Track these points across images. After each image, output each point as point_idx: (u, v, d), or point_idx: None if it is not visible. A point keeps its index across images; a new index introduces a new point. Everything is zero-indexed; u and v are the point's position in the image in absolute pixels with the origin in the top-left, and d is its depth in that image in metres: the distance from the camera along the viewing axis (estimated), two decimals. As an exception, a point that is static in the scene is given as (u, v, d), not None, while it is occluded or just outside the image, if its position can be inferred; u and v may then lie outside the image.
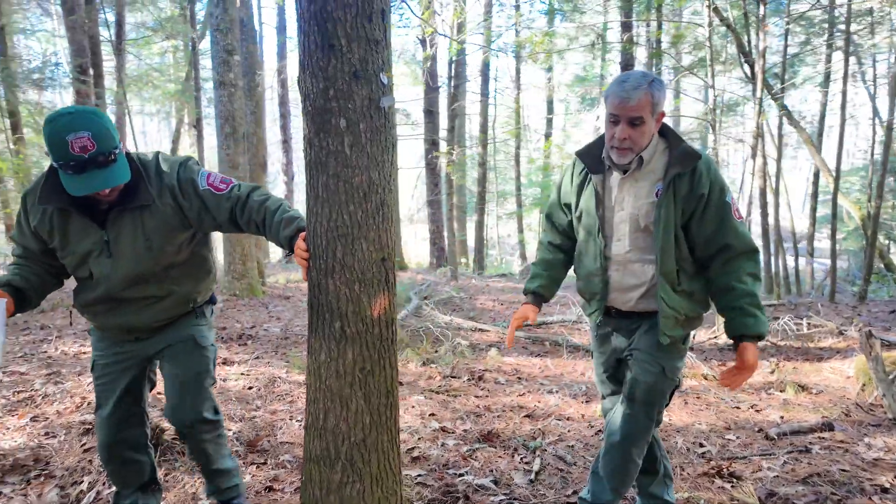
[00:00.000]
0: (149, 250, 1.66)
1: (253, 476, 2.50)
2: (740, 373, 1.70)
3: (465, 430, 3.04)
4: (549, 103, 18.41)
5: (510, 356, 4.77)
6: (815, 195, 12.18)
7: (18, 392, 3.52)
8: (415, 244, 17.82)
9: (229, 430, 2.95)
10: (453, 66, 10.77)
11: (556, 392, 3.79)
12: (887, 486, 2.30)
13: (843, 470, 2.46)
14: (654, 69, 8.02)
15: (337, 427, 1.54)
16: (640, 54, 11.39)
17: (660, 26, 7.69)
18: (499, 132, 16.77)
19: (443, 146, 11.21)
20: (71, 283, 1.85)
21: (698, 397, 3.66)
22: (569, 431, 3.07)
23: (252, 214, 1.69)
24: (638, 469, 1.85)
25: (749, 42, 6.75)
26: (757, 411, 3.38)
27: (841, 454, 2.66)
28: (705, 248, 1.70)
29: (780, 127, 10.19)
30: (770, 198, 8.90)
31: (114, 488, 1.98)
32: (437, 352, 4.58)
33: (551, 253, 2.05)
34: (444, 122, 12.82)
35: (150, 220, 1.65)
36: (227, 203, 1.70)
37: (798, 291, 10.29)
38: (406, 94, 15.64)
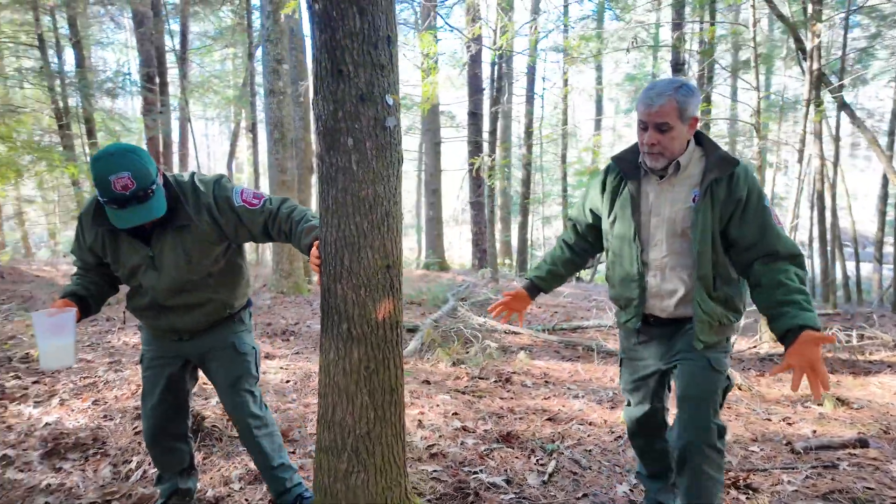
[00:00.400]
0: (188, 263, 1.85)
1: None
2: (812, 372, 1.49)
3: (485, 430, 3.13)
4: (598, 102, 18.11)
5: (540, 360, 4.81)
6: (884, 198, 11.45)
7: (84, 378, 3.89)
8: (459, 245, 17.95)
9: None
10: (496, 67, 10.82)
11: (582, 397, 3.81)
12: (911, 506, 2.22)
13: (868, 488, 2.39)
14: (704, 69, 7.77)
15: (343, 420, 1.67)
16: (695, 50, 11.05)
17: (711, 24, 7.46)
18: (546, 132, 16.63)
19: (486, 148, 11.26)
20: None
21: (729, 407, 3.59)
22: (588, 436, 3.10)
23: (281, 225, 1.86)
24: (716, 482, 1.71)
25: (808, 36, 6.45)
26: (789, 424, 3.29)
27: (870, 472, 2.57)
28: (747, 253, 1.68)
29: (837, 127, 9.63)
30: (828, 201, 8.45)
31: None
32: (467, 353, 4.68)
33: (561, 250, 2.13)
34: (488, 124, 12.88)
35: (188, 237, 1.84)
36: (260, 217, 1.87)
37: (859, 300, 9.71)
38: (451, 96, 15.78)
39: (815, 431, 3.17)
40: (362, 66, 1.57)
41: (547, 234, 19.21)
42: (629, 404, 2.11)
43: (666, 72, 13.55)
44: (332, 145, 1.60)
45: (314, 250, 1.72)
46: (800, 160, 5.01)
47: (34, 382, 3.74)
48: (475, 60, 10.88)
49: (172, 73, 14.53)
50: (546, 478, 2.56)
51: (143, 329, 2.10)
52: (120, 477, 2.50)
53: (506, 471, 2.63)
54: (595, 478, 2.58)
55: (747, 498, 2.39)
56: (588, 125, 18.32)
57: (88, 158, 10.79)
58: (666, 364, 1.88)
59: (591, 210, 2.02)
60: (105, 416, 3.18)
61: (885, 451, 2.84)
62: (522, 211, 15.01)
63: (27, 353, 4.32)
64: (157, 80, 13.68)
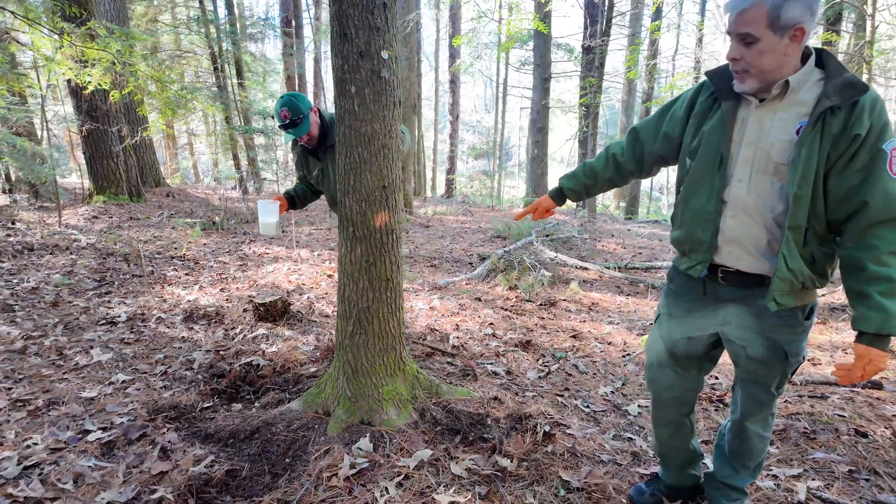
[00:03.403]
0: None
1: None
2: (852, 377, 1.41)
3: (510, 338, 3.64)
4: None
5: (597, 292, 5.11)
6: None
7: (219, 274, 5.04)
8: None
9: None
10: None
11: (617, 324, 4.12)
12: (866, 432, 2.35)
13: (840, 415, 2.53)
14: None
15: (350, 296, 2.30)
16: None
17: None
18: (672, 66, 15.40)
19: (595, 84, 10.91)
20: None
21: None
22: (601, 351, 3.48)
23: None
24: (765, 443, 1.73)
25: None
26: (814, 364, 3.35)
27: (858, 406, 2.67)
28: (840, 206, 1.37)
29: None
30: None
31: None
32: (525, 280, 5.13)
33: (605, 165, 1.85)
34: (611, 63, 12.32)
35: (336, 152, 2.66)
36: None
37: None
38: (569, 28, 15.13)
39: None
40: (362, 29, 2.05)
41: (660, 180, 18.12)
42: (653, 366, 1.82)
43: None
44: (340, 92, 2.13)
45: None
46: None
47: (186, 274, 4.96)
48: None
49: (308, 16, 15.72)
50: (542, 375, 3.04)
51: None
52: (228, 336, 3.46)
53: (511, 366, 3.15)
54: (585, 380, 3.00)
55: (716, 410, 2.66)
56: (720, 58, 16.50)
57: (236, 97, 12.45)
58: (724, 337, 1.62)
59: (665, 133, 1.68)
60: (227, 300, 4.22)
61: (898, 395, 2.86)
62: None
63: (184, 254, 5.63)
64: (293, 23, 14.99)
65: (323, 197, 3.03)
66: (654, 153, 1.73)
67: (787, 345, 1.52)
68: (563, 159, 15.38)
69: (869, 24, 4.54)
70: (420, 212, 10.51)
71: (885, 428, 2.39)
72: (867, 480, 2.04)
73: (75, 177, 13.51)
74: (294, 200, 2.95)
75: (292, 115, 2.55)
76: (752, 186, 1.45)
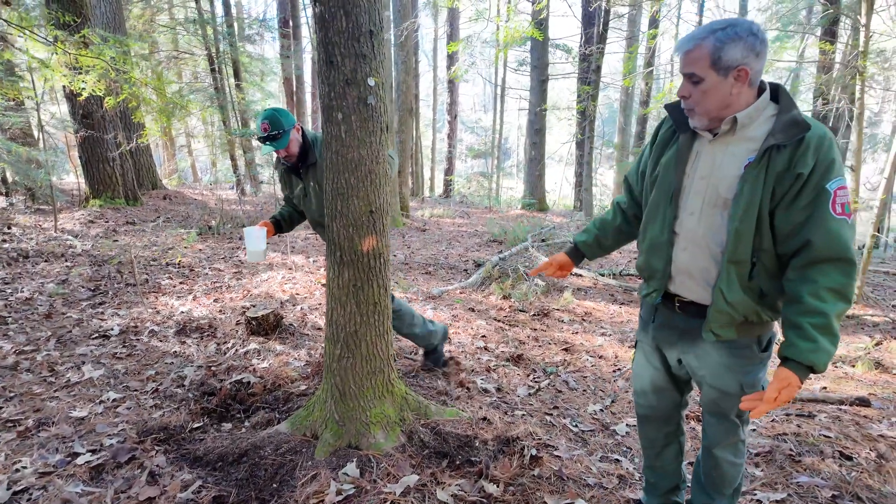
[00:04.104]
0: (322, 190, 2.66)
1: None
2: (764, 400, 1.36)
3: (502, 352, 3.66)
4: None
5: (591, 300, 5.12)
6: None
7: (214, 283, 5.05)
8: (570, 187, 17.76)
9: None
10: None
11: (609, 335, 4.14)
12: (851, 455, 2.37)
13: (825, 436, 2.55)
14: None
15: (338, 320, 2.30)
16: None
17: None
18: (672, 65, 15.37)
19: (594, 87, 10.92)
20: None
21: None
22: (591, 366, 3.49)
23: None
24: (737, 469, 1.73)
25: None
26: (803, 379, 3.36)
27: (844, 425, 2.69)
28: (786, 243, 1.39)
29: None
30: None
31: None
32: (518, 288, 5.14)
33: (613, 215, 1.89)
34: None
35: (318, 171, 2.64)
36: None
37: None
38: (567, 28, 15.11)
39: (825, 388, 3.23)
40: (348, 57, 2.05)
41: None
42: (638, 393, 1.88)
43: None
44: (327, 118, 2.13)
45: None
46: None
47: (180, 283, 4.97)
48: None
49: (305, 16, 15.65)
50: (532, 392, 3.05)
51: None
52: (220, 351, 3.47)
53: (501, 382, 3.16)
54: (575, 397, 3.02)
55: (703, 429, 2.67)
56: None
57: (233, 98, 12.43)
58: (686, 364, 1.65)
59: (642, 171, 1.73)
60: (220, 311, 4.23)
61: (886, 413, 2.88)
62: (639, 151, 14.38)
63: (179, 262, 5.64)
64: (291, 23, 14.95)
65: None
66: (641, 191, 1.77)
67: (742, 376, 1.54)
68: (561, 158, 15.38)
69: (862, 33, 4.54)
70: (417, 214, 10.51)
71: (871, 450, 2.41)
72: (850, 506, 2.06)
73: (73, 177, 13.52)
74: (280, 224, 2.96)
75: (272, 128, 2.56)
76: (703, 219, 1.48)
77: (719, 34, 1.34)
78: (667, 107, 1.58)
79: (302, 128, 2.68)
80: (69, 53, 5.28)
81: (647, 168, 1.66)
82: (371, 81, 2.10)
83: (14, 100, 7.67)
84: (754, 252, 1.41)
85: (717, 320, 1.47)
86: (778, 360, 1.38)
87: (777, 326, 1.50)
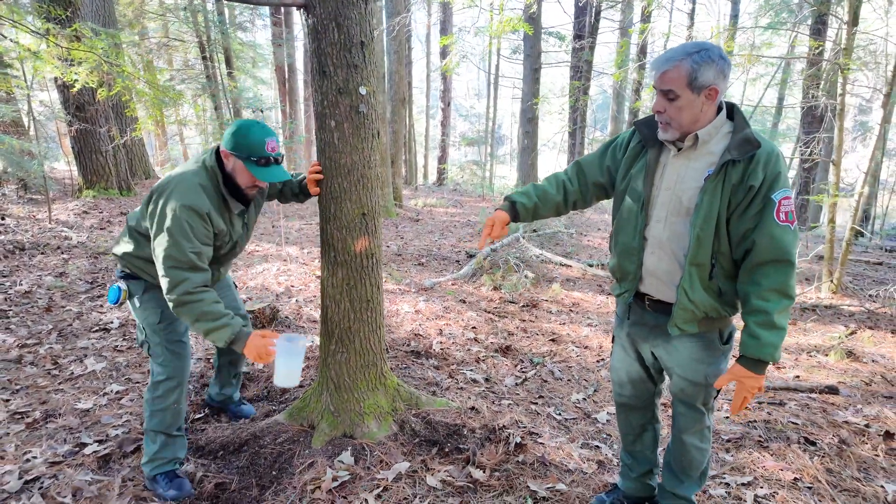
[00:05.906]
0: (259, 215, 2.58)
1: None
2: (732, 405, 1.63)
3: (491, 343, 3.79)
4: (735, 17, 16.18)
5: (579, 291, 5.26)
6: None
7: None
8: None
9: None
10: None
11: (595, 326, 4.28)
12: (815, 440, 2.53)
13: (793, 423, 2.71)
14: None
15: (333, 317, 2.42)
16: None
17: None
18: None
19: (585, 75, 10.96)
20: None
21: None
22: (577, 356, 3.64)
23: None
24: (703, 454, 1.87)
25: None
26: (777, 368, 3.52)
27: (812, 413, 2.85)
28: (739, 247, 1.56)
29: None
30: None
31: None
32: (510, 280, 5.27)
33: (556, 189, 1.96)
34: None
35: (262, 197, 2.34)
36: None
37: None
38: (561, 17, 15.08)
39: (797, 377, 3.39)
40: (340, 67, 2.14)
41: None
42: (619, 390, 2.02)
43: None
44: (320, 126, 2.23)
45: (312, 168, 2.32)
46: (884, 105, 4.62)
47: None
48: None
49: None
50: (519, 382, 3.19)
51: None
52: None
53: (490, 372, 3.30)
54: (560, 386, 3.16)
55: (680, 417, 2.83)
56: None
57: (225, 87, 12.38)
58: (658, 357, 1.82)
59: (608, 166, 1.87)
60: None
61: (852, 400, 3.04)
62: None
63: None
64: (282, 10, 14.81)
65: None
66: (597, 184, 1.91)
67: (707, 367, 1.70)
68: (555, 146, 15.44)
69: (845, 31, 4.64)
70: (410, 203, 10.60)
71: (833, 436, 2.57)
72: (809, 488, 2.22)
73: (64, 163, 13.46)
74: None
75: (279, 150, 2.01)
76: (668, 226, 1.64)
77: (695, 57, 1.49)
78: (636, 123, 1.75)
79: None
80: (61, 47, 5.29)
81: (618, 176, 1.81)
82: (363, 90, 2.20)
83: (5, 91, 7.65)
84: (713, 255, 1.57)
85: (681, 316, 1.64)
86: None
87: (735, 321, 1.71)
